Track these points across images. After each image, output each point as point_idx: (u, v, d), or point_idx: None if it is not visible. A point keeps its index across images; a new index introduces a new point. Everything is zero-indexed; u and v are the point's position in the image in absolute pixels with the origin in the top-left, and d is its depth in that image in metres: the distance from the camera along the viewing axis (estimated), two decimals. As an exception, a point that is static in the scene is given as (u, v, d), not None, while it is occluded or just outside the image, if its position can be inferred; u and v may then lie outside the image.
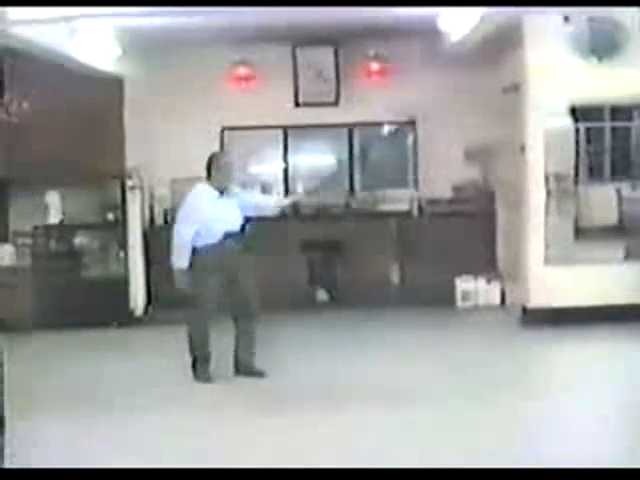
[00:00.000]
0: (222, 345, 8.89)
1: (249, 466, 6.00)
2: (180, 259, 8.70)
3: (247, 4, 9.46)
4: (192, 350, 8.84)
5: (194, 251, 8.66)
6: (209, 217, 8.66)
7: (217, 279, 8.65)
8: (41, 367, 9.56)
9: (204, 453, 6.55)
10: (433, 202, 13.73)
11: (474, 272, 13.08)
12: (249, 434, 7.06)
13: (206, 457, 6.43)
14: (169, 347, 10.24)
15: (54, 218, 12.34)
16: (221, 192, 8.77)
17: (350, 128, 14.36)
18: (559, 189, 11.03)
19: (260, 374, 8.79)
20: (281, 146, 14.42)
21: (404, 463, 5.94)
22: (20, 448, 5.63)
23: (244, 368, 8.86)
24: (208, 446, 6.74)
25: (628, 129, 11.35)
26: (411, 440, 6.73)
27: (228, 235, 8.70)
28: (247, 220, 8.91)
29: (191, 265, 8.67)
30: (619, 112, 11.33)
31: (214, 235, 8.66)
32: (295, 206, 13.81)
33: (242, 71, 14.01)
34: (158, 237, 12.90)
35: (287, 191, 14.23)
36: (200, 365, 8.82)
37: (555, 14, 10.68)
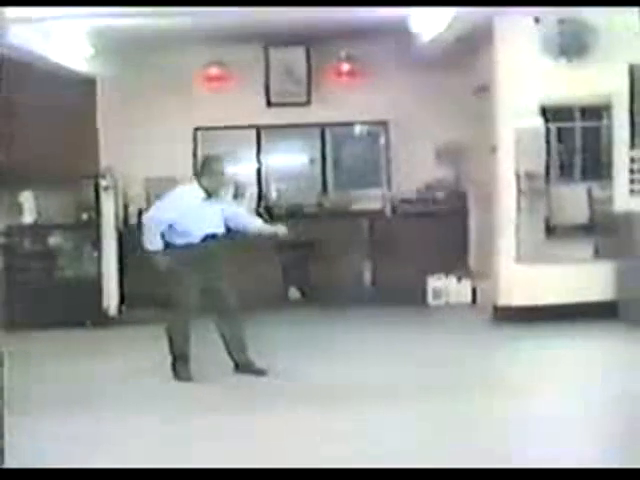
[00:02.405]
0: (206, 345, 8.97)
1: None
2: (153, 241, 8.73)
3: (220, 4, 9.52)
4: (172, 350, 8.87)
5: (175, 249, 8.71)
6: (190, 218, 8.69)
7: (196, 279, 8.68)
8: (11, 368, 9.50)
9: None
10: (405, 201, 13.81)
11: (446, 270, 13.17)
12: (233, 430, 7.10)
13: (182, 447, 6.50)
14: (143, 347, 10.28)
15: (28, 218, 12.31)
16: (208, 195, 8.81)
17: (322, 128, 14.42)
18: (530, 188, 11.13)
19: (260, 372, 8.80)
20: (254, 146, 14.46)
21: (368, 463, 5.98)
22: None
23: (243, 367, 8.89)
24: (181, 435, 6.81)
25: (598, 129, 11.45)
26: (378, 440, 6.77)
27: (209, 237, 8.75)
28: (228, 229, 8.98)
29: (172, 263, 8.69)
30: (589, 112, 11.41)
31: (195, 236, 8.71)
32: (268, 207, 13.89)
33: (214, 71, 14.05)
34: (132, 237, 12.94)
35: (260, 191, 14.28)
36: (180, 365, 8.83)
37: (526, 15, 10.79)
